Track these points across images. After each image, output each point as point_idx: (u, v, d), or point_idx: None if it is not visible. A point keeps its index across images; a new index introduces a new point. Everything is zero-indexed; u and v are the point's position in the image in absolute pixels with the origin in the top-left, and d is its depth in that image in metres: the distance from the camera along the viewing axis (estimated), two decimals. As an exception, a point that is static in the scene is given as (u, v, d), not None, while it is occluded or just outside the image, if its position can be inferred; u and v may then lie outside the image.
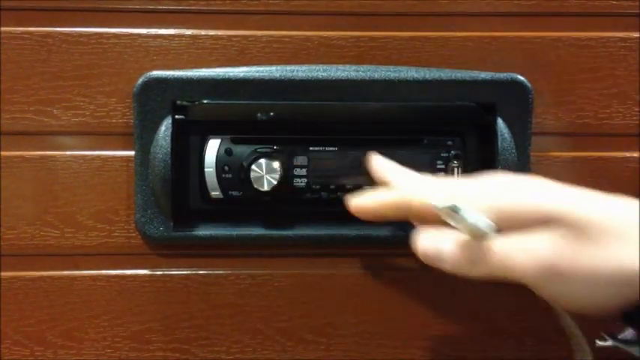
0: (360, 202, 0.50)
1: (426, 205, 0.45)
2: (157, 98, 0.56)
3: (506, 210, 0.42)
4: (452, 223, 0.43)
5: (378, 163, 0.53)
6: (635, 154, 0.59)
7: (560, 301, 0.41)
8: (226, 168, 0.56)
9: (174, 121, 0.56)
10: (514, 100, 0.57)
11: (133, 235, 0.58)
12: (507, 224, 0.41)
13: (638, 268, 0.38)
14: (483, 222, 0.41)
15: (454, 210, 0.41)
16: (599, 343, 0.44)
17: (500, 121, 0.56)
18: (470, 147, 0.58)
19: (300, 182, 0.57)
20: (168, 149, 0.55)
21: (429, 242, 0.46)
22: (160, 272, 0.58)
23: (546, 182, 0.43)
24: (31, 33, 0.56)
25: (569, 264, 0.39)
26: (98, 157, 0.57)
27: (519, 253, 0.40)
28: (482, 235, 0.42)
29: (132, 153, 0.57)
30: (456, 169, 0.57)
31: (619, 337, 0.43)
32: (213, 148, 0.57)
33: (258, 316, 0.59)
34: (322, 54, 0.57)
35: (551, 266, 0.39)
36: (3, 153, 0.56)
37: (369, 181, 0.54)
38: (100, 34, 0.56)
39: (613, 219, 0.39)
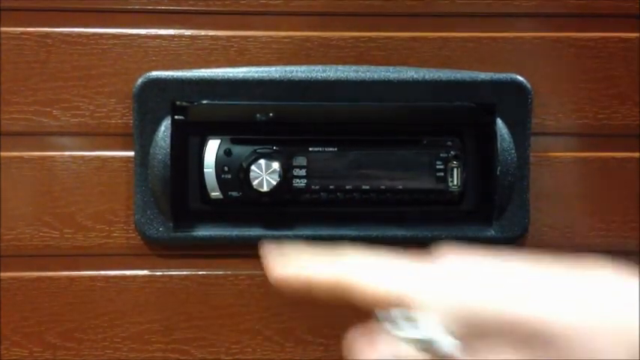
0: (284, 273, 0.39)
1: (370, 295, 0.36)
2: (156, 99, 0.56)
3: (474, 320, 0.32)
4: (399, 335, 0.34)
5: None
6: (635, 155, 0.59)
7: None
8: (226, 168, 0.56)
9: (173, 121, 0.56)
10: (513, 101, 0.57)
11: (133, 235, 0.58)
12: (472, 337, 0.33)
13: None
14: (446, 340, 0.32)
15: (408, 319, 0.33)
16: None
17: (499, 122, 0.56)
18: (469, 147, 0.58)
19: (300, 183, 0.57)
20: (168, 150, 0.55)
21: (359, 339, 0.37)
22: (160, 273, 0.58)
23: (534, 279, 0.34)
24: (30, 33, 0.56)
25: None
26: (97, 157, 0.57)
27: None
28: (443, 355, 0.33)
29: (131, 153, 0.57)
30: (455, 170, 0.57)
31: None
32: (212, 148, 0.56)
33: (257, 317, 0.59)
34: (321, 54, 0.57)
35: None
36: (2, 153, 0.56)
37: (369, 181, 0.54)
38: (100, 35, 0.56)
39: (599, 329, 0.32)
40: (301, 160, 0.57)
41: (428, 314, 0.33)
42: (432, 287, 0.34)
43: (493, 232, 0.58)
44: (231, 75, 0.56)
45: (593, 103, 0.59)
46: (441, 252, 0.36)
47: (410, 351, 0.33)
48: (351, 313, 0.60)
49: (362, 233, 0.57)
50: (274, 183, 0.56)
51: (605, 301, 0.32)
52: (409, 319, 0.33)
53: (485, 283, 0.33)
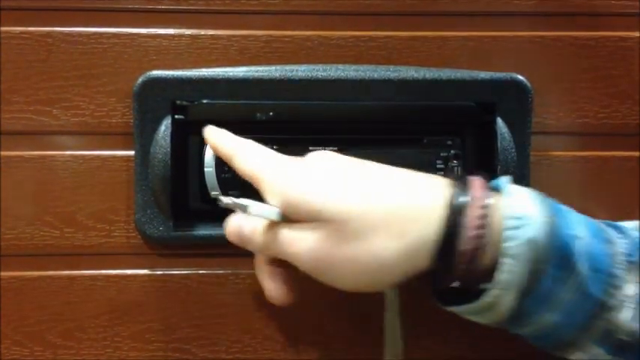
0: (210, 136, 0.54)
1: (239, 168, 0.51)
2: (156, 98, 0.56)
3: (291, 203, 0.46)
4: (225, 202, 0.51)
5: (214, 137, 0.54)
6: (635, 154, 0.59)
7: (333, 285, 0.46)
8: (226, 168, 0.56)
9: (173, 120, 0.56)
10: (514, 100, 0.57)
11: (133, 234, 0.58)
12: (293, 215, 0.46)
13: (389, 258, 0.43)
14: (269, 211, 0.46)
15: (239, 206, 0.48)
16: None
17: (499, 121, 0.56)
18: (469, 147, 0.58)
19: (300, 182, 0.57)
20: (168, 149, 0.55)
21: (233, 223, 0.50)
22: (160, 272, 0.58)
23: (326, 175, 0.46)
24: (30, 33, 0.56)
25: (332, 258, 0.44)
26: (98, 156, 0.57)
27: (295, 242, 0.45)
28: (272, 220, 0.47)
29: (132, 153, 0.57)
30: (455, 169, 0.57)
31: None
32: (212, 147, 0.56)
33: (258, 316, 0.59)
34: (322, 54, 0.57)
35: (317, 259, 0.45)
36: (2, 153, 0.56)
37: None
38: (100, 34, 0.56)
39: (368, 214, 0.44)
40: (301, 160, 0.57)
41: (254, 203, 0.47)
42: (276, 175, 0.47)
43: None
44: (231, 74, 0.56)
45: (593, 102, 0.59)
46: (313, 154, 0.48)
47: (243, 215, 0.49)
48: (351, 313, 0.61)
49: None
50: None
51: (385, 197, 0.44)
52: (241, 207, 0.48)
53: (309, 179, 0.46)
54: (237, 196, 0.53)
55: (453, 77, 0.57)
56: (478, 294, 0.45)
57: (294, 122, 0.57)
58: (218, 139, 0.53)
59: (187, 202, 0.58)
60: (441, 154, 0.57)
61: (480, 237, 0.43)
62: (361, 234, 0.43)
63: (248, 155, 0.51)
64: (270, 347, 0.59)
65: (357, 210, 0.44)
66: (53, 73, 0.56)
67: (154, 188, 0.56)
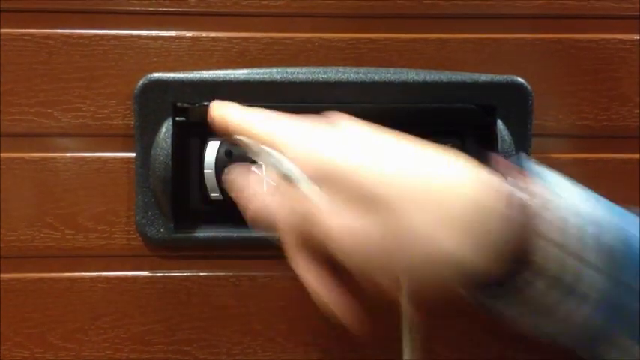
0: (216, 112, 0.48)
1: (254, 134, 0.45)
2: (157, 100, 0.56)
3: (330, 174, 0.40)
4: (265, 162, 0.43)
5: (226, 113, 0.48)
6: (636, 156, 0.59)
7: (371, 277, 0.41)
8: (226, 170, 0.56)
9: (174, 122, 0.56)
10: (514, 102, 0.57)
11: (134, 236, 0.58)
12: (329, 188, 0.40)
13: (456, 257, 0.39)
14: (301, 175, 0.41)
15: (271, 156, 0.42)
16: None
17: (500, 123, 0.57)
18: (470, 149, 0.58)
19: (301, 184, 0.57)
20: (169, 151, 0.55)
21: (241, 167, 0.45)
22: (161, 274, 0.58)
23: (376, 150, 0.41)
24: (31, 35, 0.56)
25: (385, 251, 0.39)
26: (99, 158, 0.57)
27: (333, 218, 0.40)
28: (294, 182, 0.41)
29: (132, 155, 0.57)
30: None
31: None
32: (213, 149, 0.57)
33: (258, 318, 0.59)
34: (322, 56, 0.58)
35: (367, 246, 0.39)
36: (3, 155, 0.57)
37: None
38: (101, 36, 0.56)
39: (434, 208, 0.39)
40: (302, 162, 0.57)
41: (290, 158, 0.41)
42: (306, 141, 0.42)
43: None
44: (232, 76, 0.56)
45: (593, 104, 0.59)
46: (336, 118, 0.44)
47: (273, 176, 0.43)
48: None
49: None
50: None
51: (435, 178, 0.40)
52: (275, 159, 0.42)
53: (348, 149, 0.41)
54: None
55: (453, 79, 0.57)
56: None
57: (294, 124, 0.57)
58: (227, 111, 0.47)
59: (188, 204, 0.58)
60: (442, 157, 0.57)
61: (535, 226, 0.39)
62: (426, 228, 0.38)
63: (267, 119, 0.45)
64: (270, 349, 0.59)
65: (422, 199, 0.39)
66: (54, 75, 0.56)
67: (155, 190, 0.56)
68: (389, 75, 0.57)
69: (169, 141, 0.55)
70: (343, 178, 0.40)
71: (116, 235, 0.58)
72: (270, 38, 0.57)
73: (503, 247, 0.39)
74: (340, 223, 0.40)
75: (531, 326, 0.44)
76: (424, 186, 0.40)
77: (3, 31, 0.56)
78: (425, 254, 0.39)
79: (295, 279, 0.58)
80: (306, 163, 0.41)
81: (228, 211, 0.58)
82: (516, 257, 0.40)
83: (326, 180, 0.40)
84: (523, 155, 0.44)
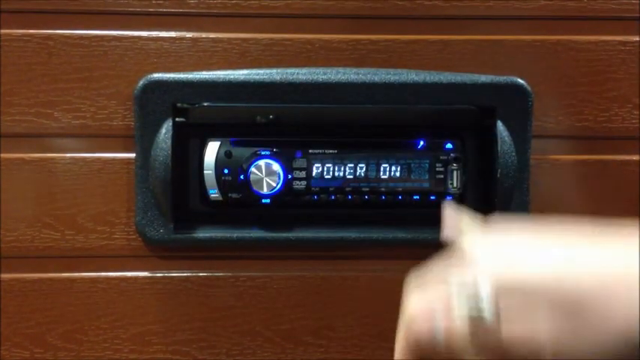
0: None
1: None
2: (157, 101, 0.56)
3: (511, 286, 0.37)
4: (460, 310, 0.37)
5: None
6: (635, 157, 0.59)
7: None
8: (226, 170, 0.56)
9: (174, 123, 0.56)
10: (514, 104, 0.57)
11: (133, 237, 0.58)
12: (510, 303, 0.37)
13: (635, 324, 0.36)
14: (491, 311, 0.36)
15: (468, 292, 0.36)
16: None
17: (500, 124, 0.57)
18: (470, 150, 0.58)
19: (300, 185, 0.57)
20: (169, 151, 0.55)
21: (424, 314, 0.38)
22: (160, 274, 0.58)
23: (544, 248, 0.38)
24: (32, 35, 0.56)
25: (574, 344, 0.36)
26: (99, 159, 0.57)
27: (523, 342, 0.37)
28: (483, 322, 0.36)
29: (132, 155, 0.57)
30: (455, 172, 0.57)
31: None
32: (212, 150, 0.57)
33: (257, 318, 0.59)
34: (322, 57, 0.57)
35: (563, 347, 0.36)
36: (3, 155, 0.56)
37: (369, 183, 0.54)
38: (101, 37, 0.56)
39: (600, 283, 0.37)
40: (301, 162, 0.57)
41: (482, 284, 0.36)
42: (489, 253, 0.38)
43: (493, 235, 0.58)
44: (232, 77, 0.56)
45: (593, 105, 0.59)
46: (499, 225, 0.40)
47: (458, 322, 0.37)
48: (352, 316, 0.60)
49: (362, 235, 0.57)
50: (274, 185, 0.56)
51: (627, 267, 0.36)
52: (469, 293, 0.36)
53: (527, 255, 0.37)
54: None
55: (453, 81, 0.57)
56: None
57: (294, 125, 0.57)
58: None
59: (188, 205, 0.58)
60: (441, 158, 0.57)
61: None
62: (597, 307, 0.36)
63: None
64: (269, 349, 0.59)
65: (587, 281, 0.36)
66: (54, 75, 0.56)
67: (155, 191, 0.56)
68: (389, 76, 0.57)
69: (169, 142, 0.55)
70: (526, 286, 0.37)
71: (116, 236, 0.58)
72: (271, 39, 0.57)
73: None
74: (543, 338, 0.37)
75: None
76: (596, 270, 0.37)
77: (3, 31, 0.56)
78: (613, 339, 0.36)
79: (295, 279, 0.59)
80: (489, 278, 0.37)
81: (228, 211, 0.58)
82: None
83: (507, 292, 0.37)
84: None
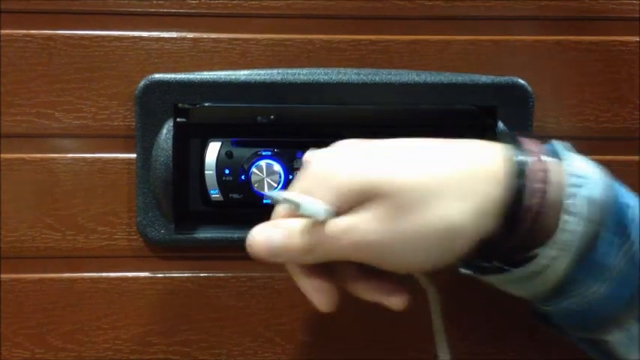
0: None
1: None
2: (158, 101, 0.56)
3: (338, 189, 0.42)
4: (275, 197, 0.44)
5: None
6: (636, 158, 0.59)
7: (400, 266, 0.43)
8: (227, 171, 0.56)
9: (175, 123, 0.56)
10: (515, 104, 0.57)
11: (134, 237, 0.58)
12: (343, 203, 0.42)
13: (460, 221, 0.40)
14: (321, 208, 0.41)
15: (289, 201, 0.42)
16: (462, 270, 0.46)
17: (500, 125, 0.57)
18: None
19: (301, 185, 0.57)
20: (170, 152, 0.55)
21: (259, 236, 0.44)
22: (161, 275, 0.58)
23: (363, 152, 0.44)
24: (32, 35, 0.56)
25: (398, 234, 0.41)
26: (99, 159, 0.57)
27: (351, 231, 0.41)
28: (322, 221, 0.42)
29: (133, 155, 0.57)
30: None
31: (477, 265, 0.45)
32: (213, 150, 0.57)
33: (259, 319, 0.59)
34: (323, 57, 0.58)
35: (381, 241, 0.41)
36: (4, 155, 0.57)
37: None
38: (102, 37, 0.56)
39: (429, 180, 0.41)
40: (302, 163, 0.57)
41: (305, 197, 0.42)
42: (312, 177, 0.43)
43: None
44: (233, 77, 0.56)
45: (594, 106, 0.59)
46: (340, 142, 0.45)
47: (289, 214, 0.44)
48: (352, 316, 0.61)
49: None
50: (275, 185, 0.56)
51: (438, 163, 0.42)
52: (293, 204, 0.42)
53: (349, 159, 0.43)
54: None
55: (454, 81, 0.57)
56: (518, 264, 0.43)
57: (295, 125, 0.57)
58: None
59: (189, 205, 0.58)
60: (442, 158, 0.57)
61: (543, 192, 0.41)
62: (425, 201, 0.40)
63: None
64: (270, 350, 0.59)
65: (415, 178, 0.41)
66: (55, 75, 0.56)
67: (156, 191, 0.56)
68: (390, 76, 0.57)
69: (170, 142, 0.55)
70: (350, 186, 0.42)
71: (117, 236, 0.58)
72: (271, 39, 0.57)
73: (502, 210, 0.41)
74: (362, 232, 0.41)
75: (541, 304, 0.45)
76: (421, 165, 0.42)
77: (3, 31, 0.56)
78: (435, 228, 0.41)
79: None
80: (327, 192, 0.42)
81: (229, 212, 0.58)
82: (516, 219, 0.41)
83: (338, 195, 0.42)
84: (558, 142, 0.45)
